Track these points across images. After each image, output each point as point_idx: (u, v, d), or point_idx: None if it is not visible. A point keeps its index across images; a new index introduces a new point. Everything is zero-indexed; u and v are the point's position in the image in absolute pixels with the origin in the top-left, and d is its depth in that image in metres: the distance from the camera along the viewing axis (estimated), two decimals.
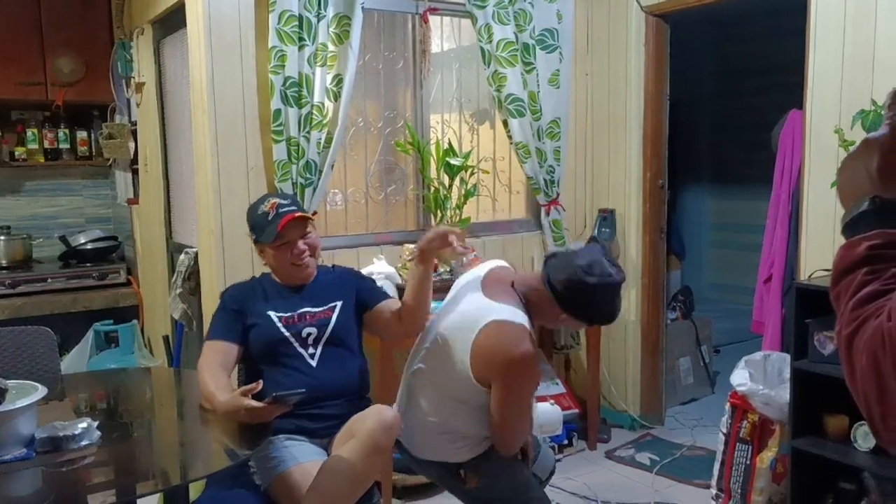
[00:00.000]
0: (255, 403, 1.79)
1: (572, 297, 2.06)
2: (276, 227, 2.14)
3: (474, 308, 2.06)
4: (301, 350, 2.13)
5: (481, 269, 2.25)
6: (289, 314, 2.16)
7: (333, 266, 2.42)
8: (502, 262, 2.34)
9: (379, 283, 3.07)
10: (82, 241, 4.18)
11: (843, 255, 0.88)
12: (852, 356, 0.81)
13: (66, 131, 4.28)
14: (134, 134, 4.03)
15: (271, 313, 2.15)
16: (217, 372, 2.01)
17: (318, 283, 2.25)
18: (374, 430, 1.89)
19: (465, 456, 2.13)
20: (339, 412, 2.08)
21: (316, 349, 2.14)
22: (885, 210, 0.88)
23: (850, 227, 0.90)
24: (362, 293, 2.30)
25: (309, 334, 2.15)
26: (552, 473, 2.44)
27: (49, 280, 3.96)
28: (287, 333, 2.14)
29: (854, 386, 0.82)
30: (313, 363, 2.13)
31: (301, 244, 2.18)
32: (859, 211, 0.90)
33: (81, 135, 4.33)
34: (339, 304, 2.22)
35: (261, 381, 1.87)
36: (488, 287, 2.12)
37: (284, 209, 2.16)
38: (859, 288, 0.84)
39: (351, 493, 1.86)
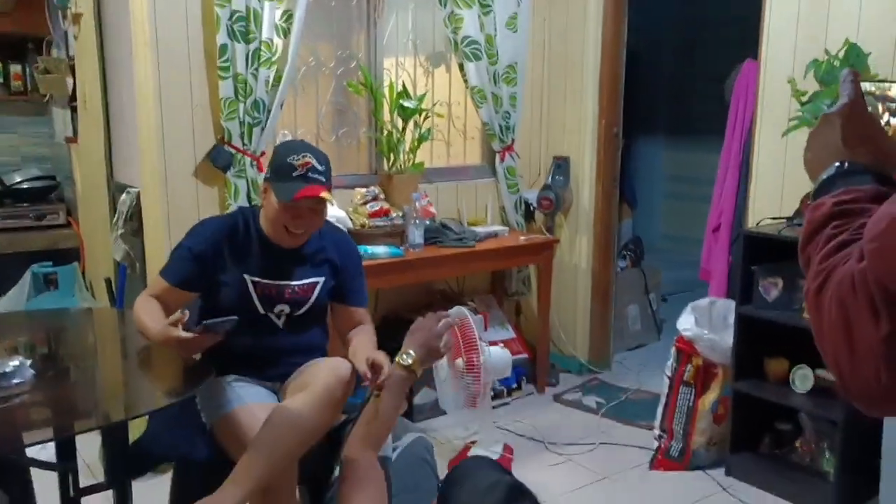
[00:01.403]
0: (184, 334, 1.74)
1: None
2: (294, 191, 1.92)
3: None
4: (270, 318, 2.03)
5: None
6: (267, 282, 2.01)
7: (327, 227, 2.15)
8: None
9: None
10: (18, 179, 4.00)
11: (809, 217, 0.87)
12: (821, 311, 0.79)
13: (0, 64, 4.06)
14: (72, 69, 3.83)
15: (247, 277, 2.00)
16: (152, 304, 1.94)
17: (307, 246, 2.07)
18: (329, 384, 1.85)
19: None
20: (296, 363, 2.03)
21: (283, 321, 2.05)
22: (850, 172, 0.87)
23: (819, 194, 0.89)
24: (348, 285, 2.13)
25: (281, 311, 2.03)
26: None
27: None
28: (259, 305, 2.01)
29: (822, 343, 0.79)
30: (279, 324, 2.04)
31: (304, 221, 1.98)
32: (826, 176, 0.89)
33: (15, 69, 4.11)
34: (320, 281, 2.07)
35: (187, 312, 1.79)
36: None
37: (313, 176, 1.95)
38: (826, 242, 0.82)
39: (301, 444, 1.82)
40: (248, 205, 2.97)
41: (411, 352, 1.69)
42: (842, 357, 0.76)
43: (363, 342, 2.05)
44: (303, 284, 2.05)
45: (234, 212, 2.19)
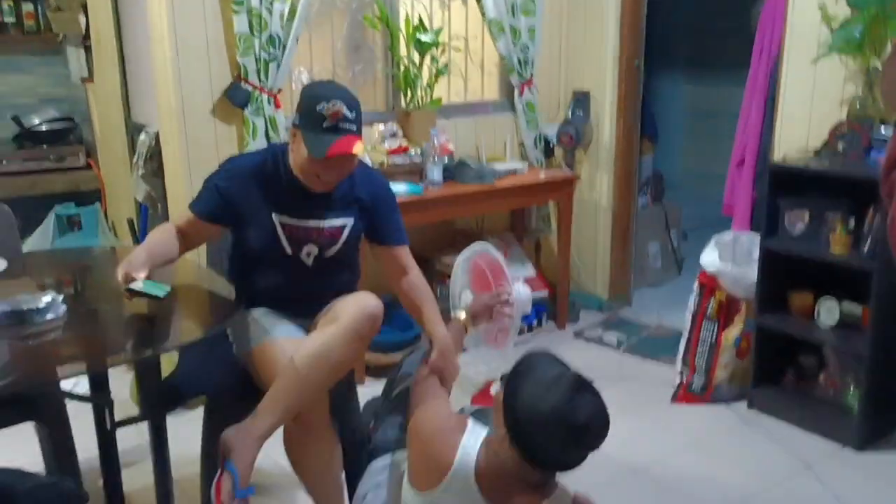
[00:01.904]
0: (119, 279, 1.73)
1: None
2: (326, 145, 1.83)
3: None
4: (300, 258, 2.00)
5: None
6: (295, 223, 1.97)
7: (359, 166, 2.04)
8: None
9: None
10: (37, 121, 3.97)
11: (892, 145, 0.83)
12: None
13: (10, 3, 3.99)
14: (84, 7, 3.77)
15: (275, 216, 1.95)
16: (159, 234, 1.95)
17: (337, 189, 2.00)
18: (356, 317, 1.84)
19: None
20: (325, 300, 2.02)
21: (312, 261, 2.01)
22: None
23: None
24: (382, 225, 2.08)
25: (310, 252, 1.99)
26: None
27: (4, 162, 3.79)
28: (287, 245, 1.97)
29: None
30: (309, 264, 2.01)
31: (335, 172, 1.91)
32: None
33: (27, 7, 4.03)
34: (349, 223, 2.02)
35: (142, 275, 1.74)
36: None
37: (344, 126, 1.84)
38: None
39: (328, 376, 1.84)
40: (266, 143, 2.95)
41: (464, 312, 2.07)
42: None
43: (432, 319, 2.03)
44: (331, 227, 2.00)
45: (265, 149, 2.13)
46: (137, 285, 1.73)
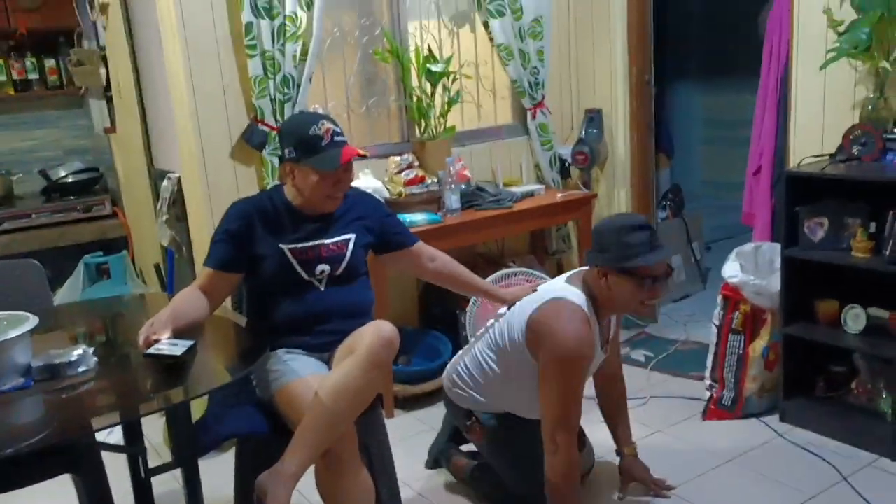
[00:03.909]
0: (140, 343, 1.79)
1: (597, 245, 2.16)
2: (336, 157, 2.01)
3: (547, 287, 2.28)
4: (313, 282, 2.09)
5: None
6: (301, 246, 2.07)
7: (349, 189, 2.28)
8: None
9: None
10: (63, 174, 4.10)
11: None
12: None
13: (34, 60, 4.13)
14: (104, 59, 3.88)
15: (283, 247, 2.06)
16: (183, 296, 2.01)
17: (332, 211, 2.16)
18: (372, 345, 1.88)
19: (481, 409, 2.32)
20: (341, 329, 2.07)
21: (325, 282, 2.10)
22: None
23: None
24: (389, 232, 2.25)
25: (322, 271, 2.09)
26: (588, 472, 2.53)
27: (33, 216, 3.91)
28: (300, 270, 2.07)
29: None
30: (322, 288, 2.10)
31: (344, 182, 2.10)
32: None
33: (50, 63, 4.18)
34: (352, 237, 2.14)
35: (166, 333, 1.81)
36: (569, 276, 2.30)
37: (340, 139, 2.04)
38: None
39: (351, 407, 1.87)
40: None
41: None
42: None
43: (470, 285, 2.42)
44: (336, 241, 2.12)
45: (260, 193, 2.28)
46: (157, 348, 1.77)
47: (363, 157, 2.10)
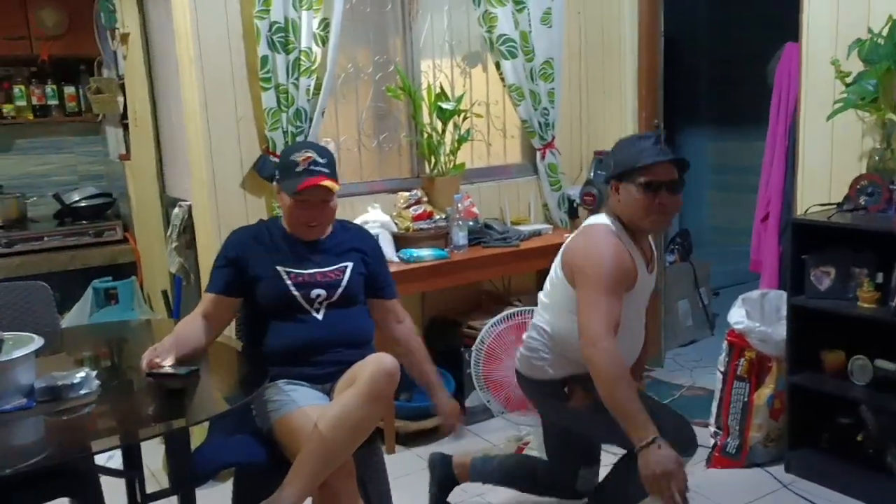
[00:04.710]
0: (143, 366, 1.81)
1: (610, 163, 2.20)
2: (298, 183, 2.06)
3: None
4: (308, 307, 2.11)
5: None
6: (298, 271, 2.11)
7: (350, 224, 2.37)
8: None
9: (374, 233, 3.08)
10: (76, 198, 4.15)
11: None
12: None
13: (54, 87, 4.22)
14: (122, 88, 3.96)
15: (280, 269, 2.10)
16: (185, 324, 2.04)
17: (331, 239, 2.20)
18: (373, 377, 1.89)
19: (567, 371, 2.20)
20: (342, 359, 2.08)
21: (324, 309, 2.12)
22: None
23: None
24: (379, 279, 2.27)
25: (318, 296, 2.11)
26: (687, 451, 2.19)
27: (45, 238, 3.95)
28: (296, 293, 2.10)
29: None
30: (319, 317, 2.11)
31: (316, 212, 2.12)
32: None
33: (69, 90, 4.27)
34: (349, 265, 2.17)
35: (169, 360, 1.83)
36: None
37: (316, 169, 2.08)
38: None
39: (351, 439, 1.87)
40: None
41: None
42: None
43: (425, 371, 2.30)
44: (333, 269, 2.15)
45: (259, 222, 2.33)
46: (161, 370, 1.79)
47: (328, 189, 2.08)
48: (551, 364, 2.23)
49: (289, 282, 2.09)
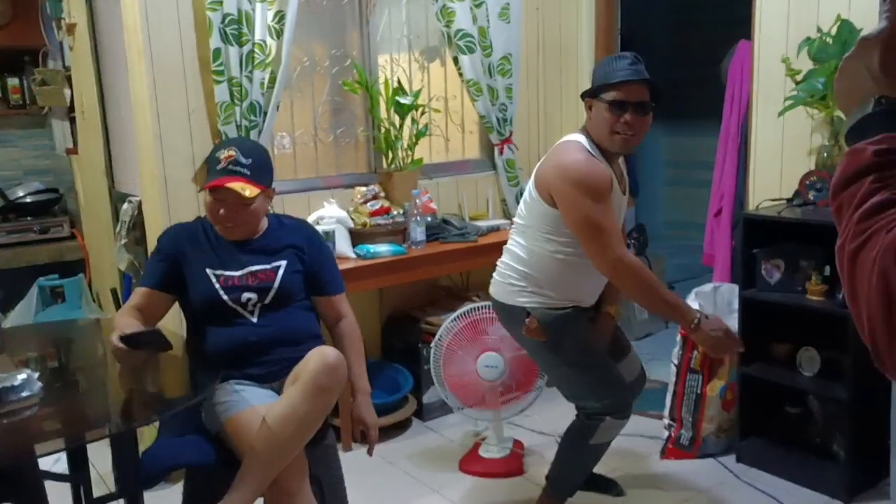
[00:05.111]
0: (116, 343, 1.82)
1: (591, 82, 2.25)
2: (210, 180, 2.03)
3: None
4: (241, 310, 2.07)
5: None
6: (228, 274, 2.07)
7: (288, 218, 2.30)
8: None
9: (331, 228, 3.04)
10: (21, 194, 4.02)
11: (847, 163, 0.79)
12: (856, 275, 0.73)
13: None
14: (69, 80, 3.84)
15: (209, 271, 2.06)
16: (129, 315, 2.00)
17: (264, 237, 2.15)
18: (316, 371, 1.88)
19: (533, 301, 2.25)
20: (286, 356, 2.05)
21: (257, 312, 2.08)
22: (893, 113, 0.79)
23: (855, 133, 0.81)
24: (322, 275, 2.20)
25: (249, 299, 2.07)
26: (640, 381, 2.59)
27: None
28: (225, 297, 2.05)
29: (855, 305, 0.73)
30: (254, 319, 2.07)
31: (231, 213, 2.05)
32: (864, 114, 0.80)
33: (13, 82, 4.13)
34: (282, 264, 2.12)
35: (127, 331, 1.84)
36: None
37: (234, 168, 2.02)
38: (866, 197, 0.75)
39: (299, 434, 1.85)
40: None
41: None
42: (878, 328, 0.72)
43: (357, 372, 2.19)
44: (264, 269, 2.10)
45: (195, 219, 2.28)
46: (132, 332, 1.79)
47: (238, 196, 2.02)
48: (520, 292, 2.29)
49: (217, 285, 2.05)
